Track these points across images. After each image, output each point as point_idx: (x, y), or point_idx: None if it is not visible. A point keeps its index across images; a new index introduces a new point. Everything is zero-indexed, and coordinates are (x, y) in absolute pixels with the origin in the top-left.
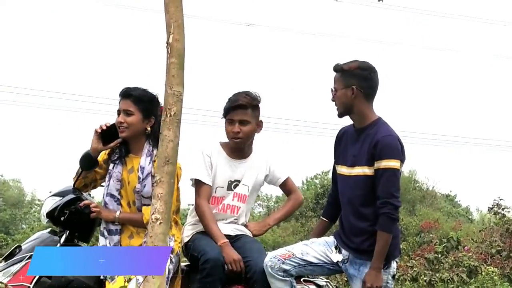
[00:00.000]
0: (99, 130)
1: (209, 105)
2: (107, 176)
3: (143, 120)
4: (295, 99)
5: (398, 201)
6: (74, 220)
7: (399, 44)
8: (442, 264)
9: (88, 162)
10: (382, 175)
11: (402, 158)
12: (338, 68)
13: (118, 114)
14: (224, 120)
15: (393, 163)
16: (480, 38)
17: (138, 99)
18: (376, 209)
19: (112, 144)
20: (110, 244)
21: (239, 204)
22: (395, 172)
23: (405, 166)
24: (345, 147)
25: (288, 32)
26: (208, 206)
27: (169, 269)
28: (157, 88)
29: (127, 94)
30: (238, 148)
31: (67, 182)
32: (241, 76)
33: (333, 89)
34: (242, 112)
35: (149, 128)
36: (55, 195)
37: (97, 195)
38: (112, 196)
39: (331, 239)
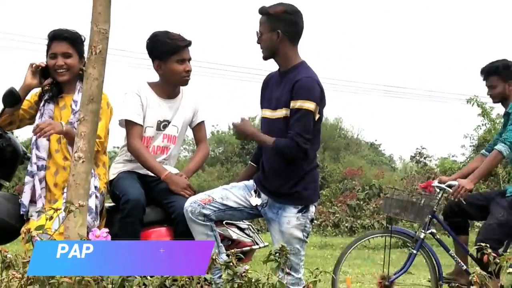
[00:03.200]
0: (42, 65)
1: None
2: (38, 113)
3: (79, 61)
4: (224, 43)
5: (306, 142)
6: None
7: None
8: (363, 211)
9: (11, 98)
10: (295, 114)
11: (318, 102)
12: (264, 11)
13: (52, 58)
14: (159, 61)
15: (307, 104)
16: None
17: (74, 41)
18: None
19: (45, 82)
20: (37, 178)
21: (169, 145)
22: (308, 114)
23: (330, 114)
24: (270, 91)
25: None
26: (142, 144)
27: (95, 205)
28: (83, 26)
29: (62, 36)
30: (172, 88)
31: None
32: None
33: (259, 32)
34: (188, 51)
35: (84, 68)
36: None
37: (23, 133)
38: None
39: (250, 183)
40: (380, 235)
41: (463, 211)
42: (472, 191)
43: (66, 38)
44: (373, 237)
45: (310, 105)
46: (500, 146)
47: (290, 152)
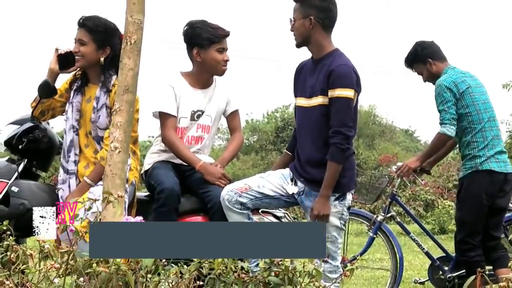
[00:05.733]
0: (62, 52)
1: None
2: (69, 106)
3: (97, 51)
4: (258, 31)
5: (350, 130)
6: (32, 149)
7: None
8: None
9: (47, 90)
10: (335, 104)
11: (356, 88)
12: None
13: (74, 43)
14: (198, 48)
15: (346, 92)
16: None
17: (92, 29)
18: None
19: (69, 70)
20: (70, 177)
21: (203, 135)
22: (348, 102)
23: (364, 101)
24: (304, 79)
25: None
26: (176, 135)
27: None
28: (118, 16)
29: (82, 23)
30: (206, 77)
31: (25, 111)
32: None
33: (292, 19)
34: (227, 41)
35: (102, 59)
36: (13, 123)
37: (56, 125)
38: (72, 127)
39: (287, 172)
40: None
41: None
42: (416, 170)
43: (84, 25)
44: None
45: (348, 93)
46: (442, 128)
47: (342, 153)
